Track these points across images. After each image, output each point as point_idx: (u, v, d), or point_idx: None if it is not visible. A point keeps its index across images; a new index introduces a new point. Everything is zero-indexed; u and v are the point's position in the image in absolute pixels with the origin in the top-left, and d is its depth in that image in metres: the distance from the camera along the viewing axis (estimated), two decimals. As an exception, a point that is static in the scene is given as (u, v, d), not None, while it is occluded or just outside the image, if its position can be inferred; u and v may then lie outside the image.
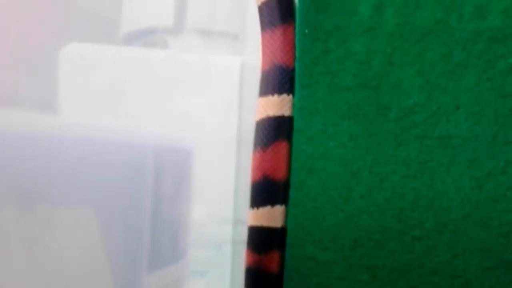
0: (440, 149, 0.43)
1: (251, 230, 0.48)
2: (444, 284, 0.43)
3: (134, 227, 0.55)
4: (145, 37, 0.79)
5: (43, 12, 0.73)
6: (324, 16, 0.45)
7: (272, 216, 0.47)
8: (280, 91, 0.47)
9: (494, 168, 0.42)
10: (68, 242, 0.48)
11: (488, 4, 0.42)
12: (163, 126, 0.66)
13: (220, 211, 0.64)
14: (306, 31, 0.45)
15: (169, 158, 0.59)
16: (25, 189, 0.44)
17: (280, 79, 0.47)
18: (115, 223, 0.53)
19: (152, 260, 0.57)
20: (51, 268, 0.50)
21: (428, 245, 0.44)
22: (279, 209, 0.47)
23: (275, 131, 0.47)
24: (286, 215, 0.47)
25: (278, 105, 0.47)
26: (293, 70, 0.47)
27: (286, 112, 0.47)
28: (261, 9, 0.48)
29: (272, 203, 0.47)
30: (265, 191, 0.47)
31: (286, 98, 0.47)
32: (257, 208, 0.47)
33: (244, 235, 0.49)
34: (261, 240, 0.48)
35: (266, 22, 0.47)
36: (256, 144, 0.48)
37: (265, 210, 0.47)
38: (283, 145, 0.47)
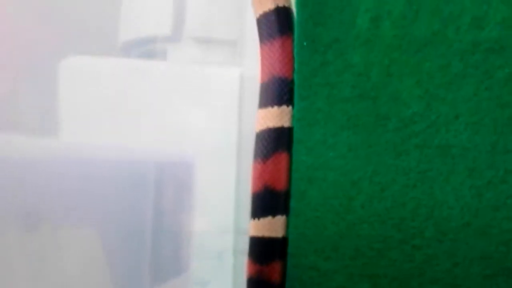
0: (439, 159, 0.44)
1: (252, 240, 0.48)
2: (445, 293, 0.44)
3: (136, 241, 0.55)
4: (144, 46, 0.79)
5: (40, 25, 0.73)
6: (322, 29, 0.45)
7: (273, 226, 0.47)
8: (279, 103, 0.47)
9: (494, 177, 0.43)
10: (71, 262, 0.48)
11: (485, 15, 0.42)
12: (163, 138, 0.66)
13: (221, 221, 0.64)
14: (305, 43, 0.46)
15: (170, 172, 0.60)
16: (28, 210, 0.44)
17: (279, 91, 0.47)
18: (117, 239, 0.53)
19: (154, 274, 0.57)
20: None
21: (429, 254, 0.44)
22: (280, 219, 0.47)
23: (275, 142, 0.47)
24: (287, 225, 0.47)
25: (277, 116, 0.47)
26: (292, 81, 0.47)
27: (286, 123, 0.47)
28: (259, 21, 0.48)
29: (273, 213, 0.47)
30: (266, 202, 0.48)
31: (286, 109, 0.47)
32: (258, 219, 0.48)
33: (245, 245, 0.49)
34: (263, 251, 0.48)
35: (264, 35, 0.48)
36: (256, 155, 0.48)
37: (266, 220, 0.47)
38: (283, 156, 0.47)
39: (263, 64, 0.48)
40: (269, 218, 0.47)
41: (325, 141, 0.46)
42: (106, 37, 0.79)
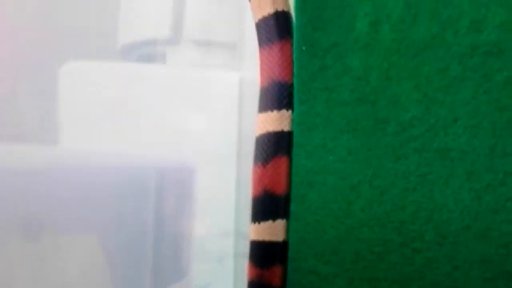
0: (439, 162, 0.44)
1: (253, 244, 0.48)
2: (445, 296, 0.44)
3: (137, 246, 0.55)
4: (143, 49, 0.79)
5: (39, 30, 0.73)
6: (321, 33, 0.45)
7: (273, 230, 0.47)
8: (279, 107, 0.47)
9: (493, 180, 0.43)
10: (72, 269, 0.48)
11: (484, 19, 0.42)
12: (163, 142, 0.66)
13: (221, 225, 0.65)
14: (304, 48, 0.46)
15: (171, 178, 0.60)
16: (29, 219, 0.44)
17: (278, 95, 0.47)
18: (118, 245, 0.53)
19: (155, 278, 0.57)
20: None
21: (429, 257, 0.44)
22: (280, 223, 0.47)
23: (275, 147, 0.48)
24: (288, 229, 0.48)
25: (277, 120, 0.47)
26: (291, 85, 0.47)
27: (286, 127, 0.47)
28: (258, 26, 0.48)
29: (274, 217, 0.47)
30: (266, 206, 0.48)
31: (285, 113, 0.47)
32: (259, 223, 0.48)
33: (246, 248, 0.49)
34: (263, 255, 0.48)
35: (264, 39, 0.48)
36: (256, 159, 0.48)
37: (267, 224, 0.47)
38: (283, 160, 0.47)
39: (262, 69, 0.48)
40: (270, 222, 0.47)
41: (325, 145, 0.46)
42: (105, 40, 0.79)
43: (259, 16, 0.48)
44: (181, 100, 0.69)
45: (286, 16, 0.48)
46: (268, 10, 0.47)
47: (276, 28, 0.47)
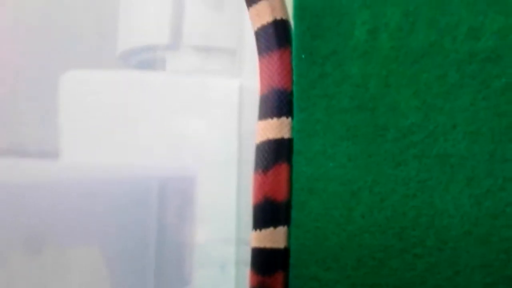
0: (438, 168, 0.44)
1: (254, 251, 0.48)
2: (447, 301, 0.44)
3: (139, 255, 0.55)
4: (142, 54, 0.79)
5: (37, 39, 0.73)
6: (320, 41, 0.46)
7: (275, 237, 0.48)
8: (279, 114, 0.48)
9: (492, 186, 0.43)
10: (75, 281, 0.48)
11: (482, 26, 0.42)
12: (163, 149, 0.66)
13: (223, 233, 0.65)
14: (303, 56, 0.46)
15: (172, 187, 0.60)
16: (31, 233, 0.44)
17: (278, 103, 0.48)
18: (120, 256, 0.53)
19: (158, 286, 0.57)
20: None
21: (430, 262, 0.44)
22: (281, 230, 0.48)
23: (275, 154, 0.48)
24: (289, 236, 0.48)
25: (277, 128, 0.48)
26: (291, 93, 0.47)
27: (286, 134, 0.48)
28: (258, 34, 0.48)
29: (275, 224, 0.48)
30: (267, 213, 0.48)
31: (285, 121, 0.48)
32: (260, 230, 0.48)
33: (247, 256, 0.49)
34: (265, 261, 0.48)
35: (263, 47, 0.48)
36: (257, 167, 0.48)
37: (268, 231, 0.48)
38: (283, 167, 0.48)
39: (262, 77, 0.48)
40: (271, 229, 0.48)
41: (325, 152, 0.46)
42: (104, 46, 0.79)
43: (258, 25, 0.48)
44: (181, 106, 0.69)
45: (285, 25, 0.48)
46: (267, 18, 0.48)
47: (275, 36, 0.48)
